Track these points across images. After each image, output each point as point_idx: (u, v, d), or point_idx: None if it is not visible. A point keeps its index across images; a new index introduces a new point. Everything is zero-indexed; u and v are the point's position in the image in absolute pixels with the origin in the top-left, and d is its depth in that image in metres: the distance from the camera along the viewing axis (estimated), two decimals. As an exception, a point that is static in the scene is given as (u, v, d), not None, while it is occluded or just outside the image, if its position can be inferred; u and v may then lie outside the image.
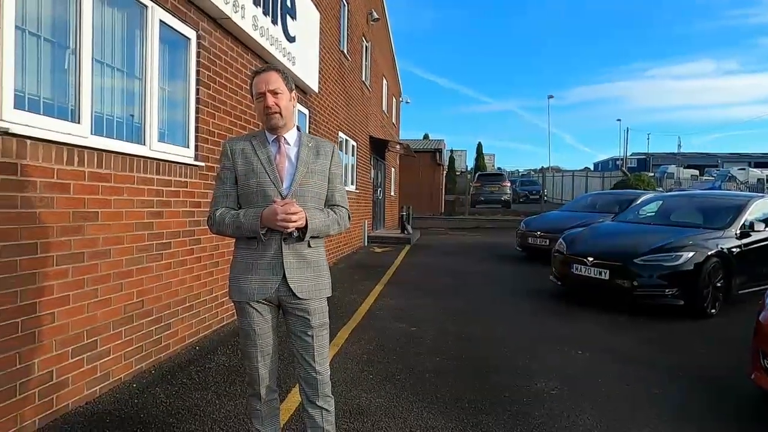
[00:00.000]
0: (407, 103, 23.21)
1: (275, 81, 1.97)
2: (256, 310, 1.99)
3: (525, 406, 3.11)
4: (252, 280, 1.97)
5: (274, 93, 1.97)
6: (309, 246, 2.00)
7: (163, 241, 3.74)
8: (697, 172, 37.63)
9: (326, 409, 2.05)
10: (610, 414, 3.02)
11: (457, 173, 33.35)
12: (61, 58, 2.87)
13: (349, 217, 2.14)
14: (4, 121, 2.41)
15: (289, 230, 1.88)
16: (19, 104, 2.53)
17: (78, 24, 2.92)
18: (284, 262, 1.95)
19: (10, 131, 2.40)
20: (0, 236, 2.39)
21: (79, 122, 2.92)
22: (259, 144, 2.02)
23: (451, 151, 35.06)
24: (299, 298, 1.98)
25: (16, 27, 2.51)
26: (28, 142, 2.53)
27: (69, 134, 2.81)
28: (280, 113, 1.98)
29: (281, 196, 1.95)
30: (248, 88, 5.15)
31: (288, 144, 2.05)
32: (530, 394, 3.30)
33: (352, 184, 11.26)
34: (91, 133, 3.02)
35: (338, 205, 2.11)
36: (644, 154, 53.32)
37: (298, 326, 2.02)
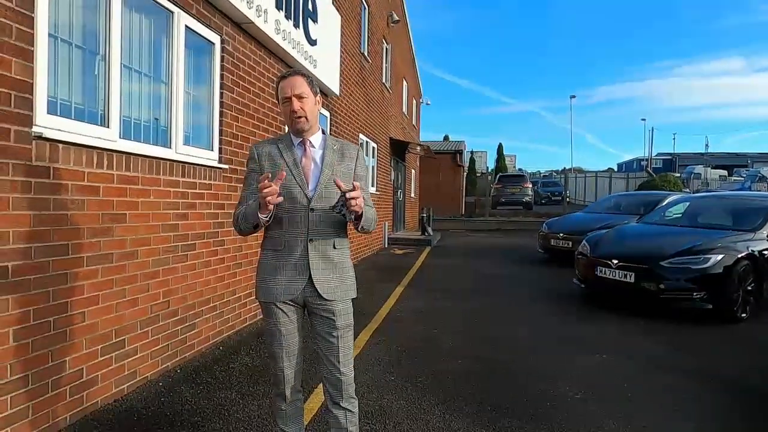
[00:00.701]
0: (427, 104, 23.19)
1: (301, 85, 2.00)
2: (282, 310, 2.02)
3: (548, 410, 3.08)
4: (278, 281, 1.99)
5: (300, 97, 1.99)
6: (334, 247, 2.03)
7: (188, 242, 3.81)
8: (725, 172, 36.69)
9: (350, 410, 2.07)
10: (636, 420, 2.97)
11: (478, 174, 33.19)
12: (91, 64, 2.95)
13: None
14: (37, 126, 2.48)
15: (270, 203, 1.81)
16: (51, 109, 2.61)
17: (107, 31, 3.00)
18: (310, 263, 1.98)
19: (43, 136, 2.48)
20: (33, 237, 2.47)
21: (108, 126, 3.00)
22: (285, 147, 2.06)
23: (472, 152, 34.93)
24: (325, 299, 2.00)
25: (49, 35, 2.58)
26: (60, 146, 2.61)
27: (99, 138, 2.89)
28: (306, 117, 2.01)
29: (307, 198, 1.98)
30: (270, 91, 5.21)
31: (313, 147, 2.07)
32: (553, 398, 3.26)
33: (372, 185, 11.29)
34: (120, 137, 3.09)
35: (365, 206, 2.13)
36: (670, 154, 52.27)
37: (323, 327, 2.03)
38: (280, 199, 1.84)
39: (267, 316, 2.06)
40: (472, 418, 2.95)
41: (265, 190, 1.78)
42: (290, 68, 5.73)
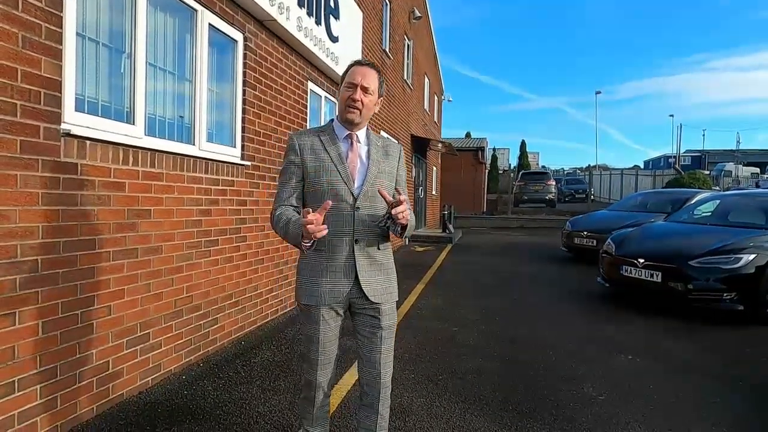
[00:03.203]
0: (449, 101, 23.03)
1: (372, 80, 1.92)
2: (323, 316, 1.94)
3: (571, 411, 3.02)
4: (323, 283, 1.91)
5: (365, 90, 1.91)
6: (378, 248, 1.96)
7: (211, 238, 3.85)
8: (758, 169, 35.54)
9: (382, 414, 2.02)
10: (662, 423, 2.89)
11: (500, 172, 32.83)
12: (117, 62, 3.01)
13: None
14: (66, 123, 2.54)
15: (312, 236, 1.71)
16: (79, 107, 2.66)
17: (133, 29, 3.04)
18: (357, 265, 1.90)
19: (71, 133, 2.54)
20: (62, 232, 2.53)
21: (133, 123, 3.05)
22: (328, 140, 1.95)
23: (494, 149, 34.58)
24: (371, 301, 1.94)
25: (77, 33, 2.64)
26: (88, 143, 2.66)
27: (125, 135, 2.94)
28: (361, 111, 1.92)
29: (353, 195, 1.90)
30: (292, 88, 5.23)
31: (359, 142, 1.99)
32: (577, 399, 3.20)
33: (393, 182, 11.25)
34: (145, 134, 3.14)
35: None
36: (699, 151, 50.93)
37: (367, 327, 1.98)
38: (325, 232, 1.72)
39: (307, 321, 1.97)
40: (492, 418, 2.92)
41: (310, 227, 1.66)
42: (313, 65, 5.75)
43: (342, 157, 1.93)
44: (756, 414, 3.05)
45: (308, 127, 5.73)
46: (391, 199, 1.81)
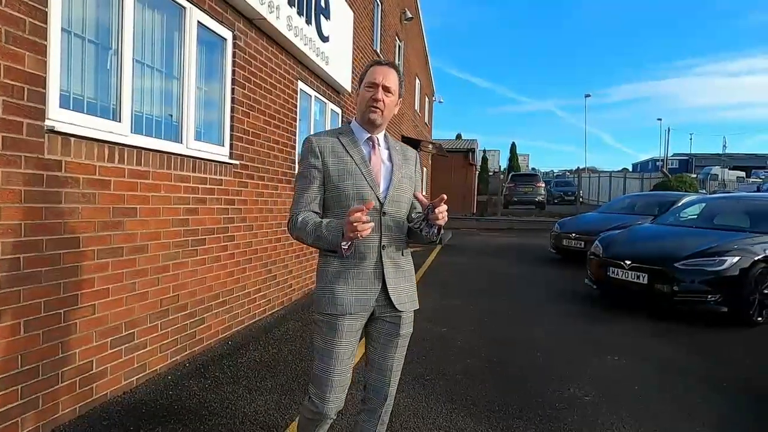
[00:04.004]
0: (440, 102, 23.12)
1: (393, 80, 1.86)
2: (347, 326, 1.81)
3: (558, 412, 3.04)
4: (348, 290, 1.80)
5: (387, 90, 1.84)
6: (402, 254, 1.90)
7: (198, 237, 3.82)
8: (743, 173, 36.08)
9: (383, 421, 2.00)
10: (647, 423, 2.92)
11: (490, 173, 33.00)
12: (104, 58, 2.97)
13: None
14: (50, 119, 2.50)
15: (360, 237, 1.61)
16: (64, 103, 2.63)
17: (120, 26, 3.01)
18: (384, 272, 1.82)
19: (55, 129, 2.50)
20: (45, 230, 2.49)
21: (120, 121, 3.02)
22: (349, 142, 1.86)
23: (484, 151, 34.76)
24: (396, 309, 1.87)
25: (62, 29, 2.60)
26: (72, 139, 2.63)
27: (110, 132, 2.91)
28: (382, 112, 1.85)
29: (379, 201, 1.82)
30: (282, 87, 5.21)
31: (379, 145, 1.92)
32: (563, 400, 3.22)
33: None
34: (131, 132, 3.11)
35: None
36: (686, 154, 51.59)
37: (384, 334, 1.91)
38: (370, 230, 1.61)
39: (327, 333, 1.82)
40: (479, 418, 2.93)
41: (358, 225, 1.55)
42: (303, 65, 5.74)
43: (365, 160, 1.85)
44: (740, 414, 3.09)
45: (305, 129, 5.71)
46: (426, 201, 1.76)
